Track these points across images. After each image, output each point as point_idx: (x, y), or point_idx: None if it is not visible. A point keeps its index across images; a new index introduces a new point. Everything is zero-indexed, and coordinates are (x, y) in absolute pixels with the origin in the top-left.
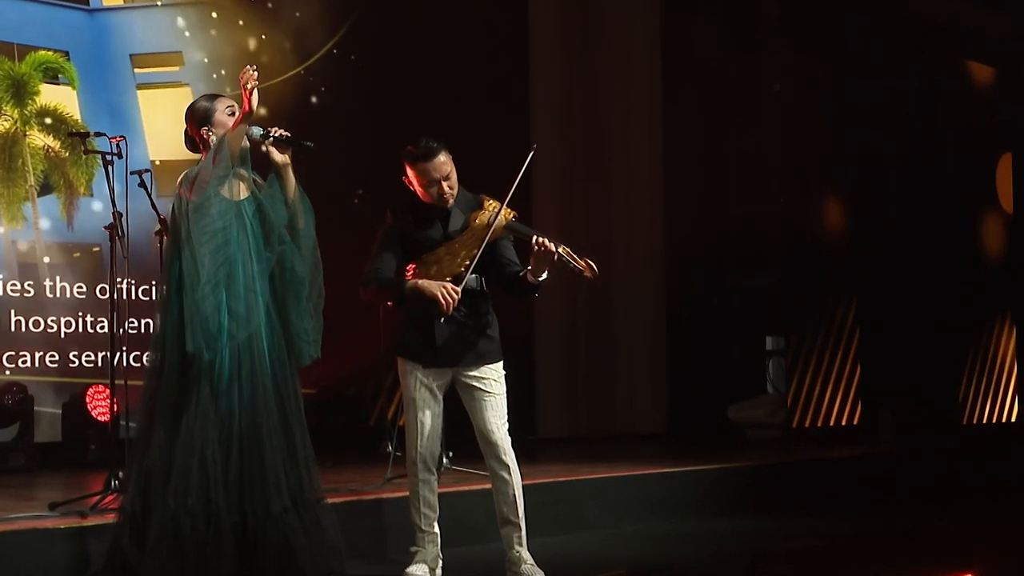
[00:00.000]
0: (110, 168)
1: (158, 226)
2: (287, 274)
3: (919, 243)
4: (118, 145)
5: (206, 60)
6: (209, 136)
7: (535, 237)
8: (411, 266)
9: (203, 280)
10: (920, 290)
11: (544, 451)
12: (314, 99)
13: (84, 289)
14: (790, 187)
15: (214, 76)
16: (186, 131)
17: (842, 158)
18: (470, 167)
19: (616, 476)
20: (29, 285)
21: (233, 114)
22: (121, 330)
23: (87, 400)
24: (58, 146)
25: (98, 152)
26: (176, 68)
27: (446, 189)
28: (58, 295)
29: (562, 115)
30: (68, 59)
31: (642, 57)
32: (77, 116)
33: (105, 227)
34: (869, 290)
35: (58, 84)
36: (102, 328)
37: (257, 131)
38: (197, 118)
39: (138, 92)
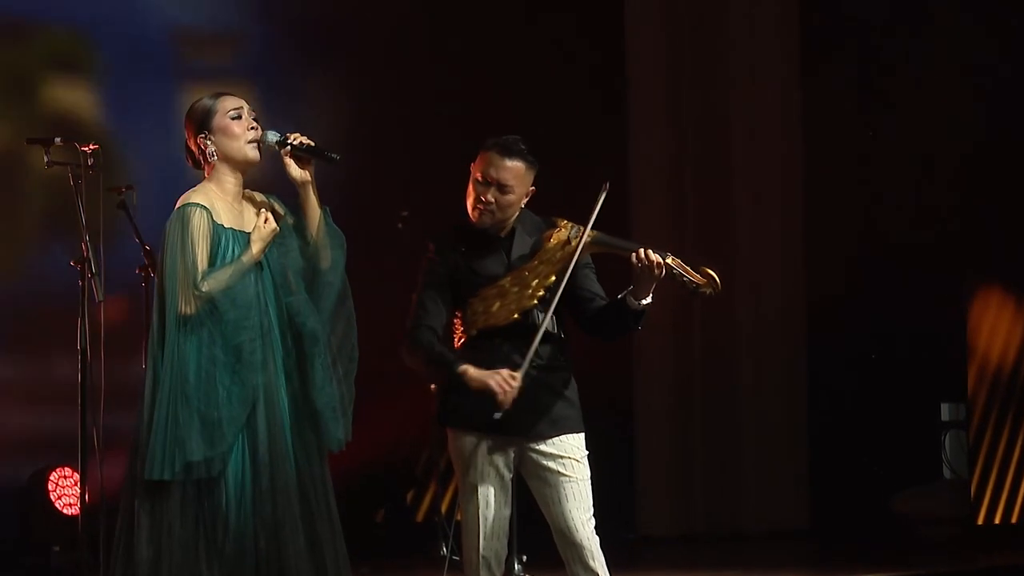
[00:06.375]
0: (80, 184)
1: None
2: (300, 334)
3: None
4: (90, 156)
5: (272, 43)
6: (207, 146)
7: (637, 250)
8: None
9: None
10: None
11: (647, 554)
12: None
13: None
14: (975, 202)
15: (285, 68)
16: (185, 140)
17: None
18: (548, 184)
19: None
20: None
21: (239, 117)
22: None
23: (49, 487)
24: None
25: (62, 164)
26: (234, 54)
27: (487, 199)
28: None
29: (668, 103)
30: (88, 41)
31: (771, 27)
32: (101, 122)
33: (73, 262)
34: None
35: (73, 77)
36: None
37: (272, 136)
38: (195, 121)
39: (182, 87)
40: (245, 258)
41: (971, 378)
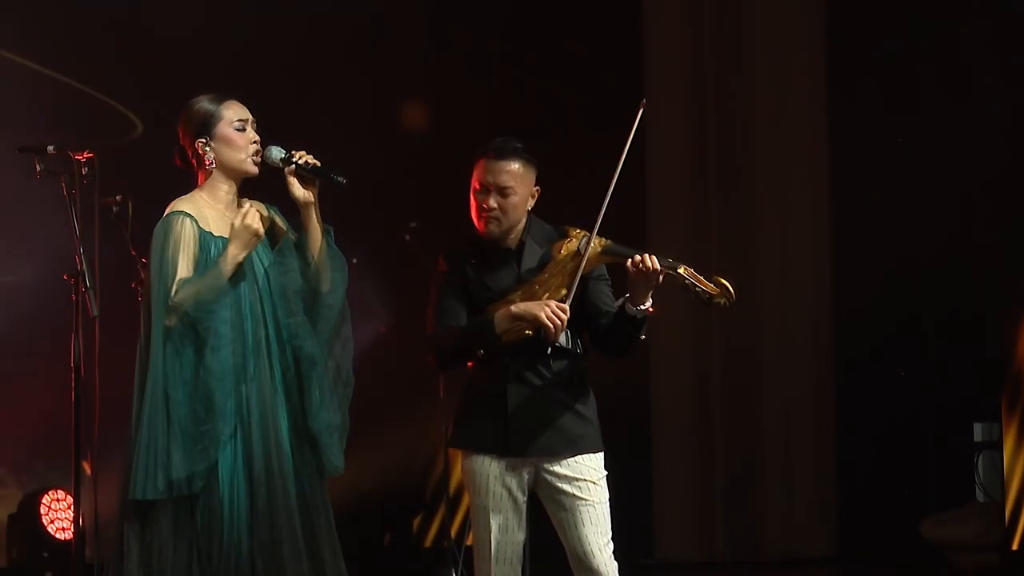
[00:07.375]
0: (74, 195)
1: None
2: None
3: None
4: (85, 164)
5: (275, 50)
6: (205, 152)
7: (634, 255)
8: None
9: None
10: None
11: None
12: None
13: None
14: (1013, 216)
15: (289, 73)
16: (178, 141)
17: None
18: (558, 194)
19: None
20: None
21: (243, 129)
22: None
23: (42, 511)
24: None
25: (55, 173)
26: (235, 61)
27: (489, 205)
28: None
29: (688, 120)
30: (87, 45)
31: (795, 33)
32: (96, 130)
33: (66, 276)
34: None
35: (70, 81)
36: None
37: (277, 153)
38: (194, 124)
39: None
40: (221, 261)
41: (1006, 396)
